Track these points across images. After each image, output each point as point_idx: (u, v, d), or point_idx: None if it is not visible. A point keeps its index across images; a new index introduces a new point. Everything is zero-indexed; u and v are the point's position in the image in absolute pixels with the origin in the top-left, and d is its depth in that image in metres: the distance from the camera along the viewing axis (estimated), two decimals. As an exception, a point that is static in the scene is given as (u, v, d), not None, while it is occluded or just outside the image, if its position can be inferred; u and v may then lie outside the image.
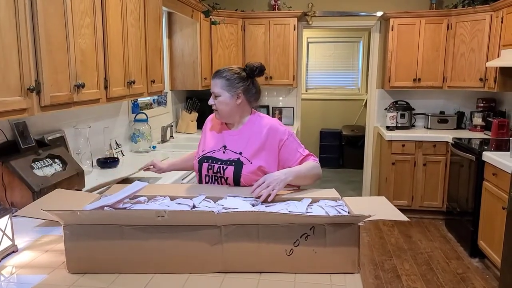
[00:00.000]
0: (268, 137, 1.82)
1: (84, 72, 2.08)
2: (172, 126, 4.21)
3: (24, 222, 1.64)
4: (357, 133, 6.67)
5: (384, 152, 4.81)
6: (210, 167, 1.84)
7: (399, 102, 4.87)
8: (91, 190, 2.18)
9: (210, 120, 2.01)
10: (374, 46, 5.03)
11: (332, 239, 1.26)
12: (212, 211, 1.25)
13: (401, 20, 4.54)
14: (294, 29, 4.72)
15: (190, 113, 4.57)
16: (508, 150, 3.31)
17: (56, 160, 2.10)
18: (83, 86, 2.04)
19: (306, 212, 1.43)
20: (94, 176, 2.55)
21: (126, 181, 2.44)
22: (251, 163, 1.78)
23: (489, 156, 3.38)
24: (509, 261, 2.72)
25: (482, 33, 4.17)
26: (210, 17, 4.38)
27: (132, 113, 3.49)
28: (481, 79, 4.23)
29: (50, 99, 1.81)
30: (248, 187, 1.73)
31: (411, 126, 4.83)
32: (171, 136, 4.17)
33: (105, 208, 1.39)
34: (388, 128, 4.71)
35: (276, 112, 5.23)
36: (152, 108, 3.99)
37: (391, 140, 4.53)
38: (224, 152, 1.84)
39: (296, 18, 4.73)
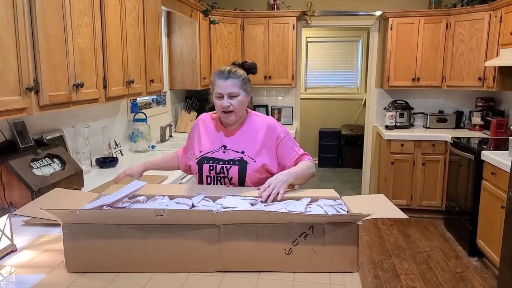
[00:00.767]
0: (267, 135, 1.84)
1: (82, 72, 2.08)
2: (171, 125, 4.21)
3: (23, 221, 1.63)
4: (356, 132, 6.67)
5: (383, 152, 4.81)
6: (211, 167, 1.81)
7: (398, 102, 4.87)
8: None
9: (202, 121, 1.95)
10: (373, 46, 5.03)
11: (331, 238, 1.26)
12: (211, 210, 1.24)
13: (400, 19, 4.54)
14: (293, 29, 4.72)
15: (189, 113, 4.57)
16: (507, 149, 3.31)
17: (55, 160, 2.10)
18: (82, 85, 2.03)
19: (305, 212, 1.43)
20: (93, 176, 2.55)
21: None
22: (255, 161, 1.79)
23: (488, 155, 3.38)
24: (508, 260, 2.72)
25: (481, 33, 4.17)
26: (209, 16, 4.38)
27: (131, 112, 3.49)
28: (480, 79, 4.23)
29: (48, 98, 1.80)
30: (247, 188, 1.75)
31: (410, 125, 4.84)
32: (170, 136, 4.17)
33: (104, 207, 1.39)
34: (387, 127, 4.71)
35: (275, 112, 5.23)
36: (151, 107, 3.99)
37: (390, 140, 4.54)
38: (224, 152, 1.83)
39: (295, 18, 4.73)
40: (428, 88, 4.66)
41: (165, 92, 4.26)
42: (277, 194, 1.58)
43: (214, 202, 1.55)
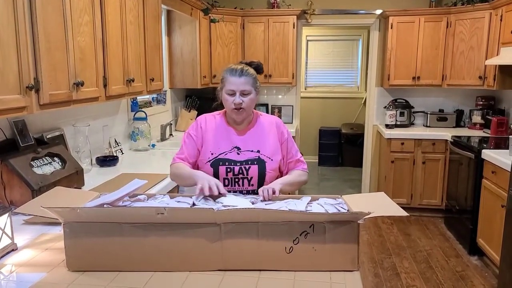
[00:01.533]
0: (276, 133, 1.89)
1: (83, 70, 2.07)
2: (171, 124, 4.21)
3: (23, 220, 1.63)
4: (356, 131, 6.67)
5: (383, 150, 4.81)
6: (229, 169, 1.79)
7: (398, 100, 4.87)
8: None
9: (205, 121, 1.89)
10: (373, 44, 5.03)
11: (331, 237, 1.26)
12: (212, 209, 1.24)
13: (400, 18, 4.54)
14: (294, 27, 4.71)
15: (189, 111, 4.57)
16: (507, 148, 3.31)
17: (55, 159, 2.09)
18: (82, 84, 2.03)
19: (306, 210, 1.43)
20: (93, 175, 2.55)
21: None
22: (272, 160, 1.82)
23: (488, 154, 3.38)
24: (508, 259, 2.72)
25: (482, 31, 4.17)
26: (209, 15, 4.37)
27: (131, 111, 3.49)
28: (480, 77, 4.23)
29: (49, 97, 1.80)
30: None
31: (410, 124, 4.83)
32: (171, 135, 4.17)
33: (104, 206, 1.39)
34: (387, 126, 4.71)
35: (275, 111, 5.23)
36: (151, 106, 3.99)
37: (390, 138, 4.53)
38: (238, 153, 1.82)
39: (296, 16, 4.72)
40: (428, 86, 4.65)
41: (165, 91, 4.26)
42: (274, 193, 1.60)
43: (214, 201, 1.55)
